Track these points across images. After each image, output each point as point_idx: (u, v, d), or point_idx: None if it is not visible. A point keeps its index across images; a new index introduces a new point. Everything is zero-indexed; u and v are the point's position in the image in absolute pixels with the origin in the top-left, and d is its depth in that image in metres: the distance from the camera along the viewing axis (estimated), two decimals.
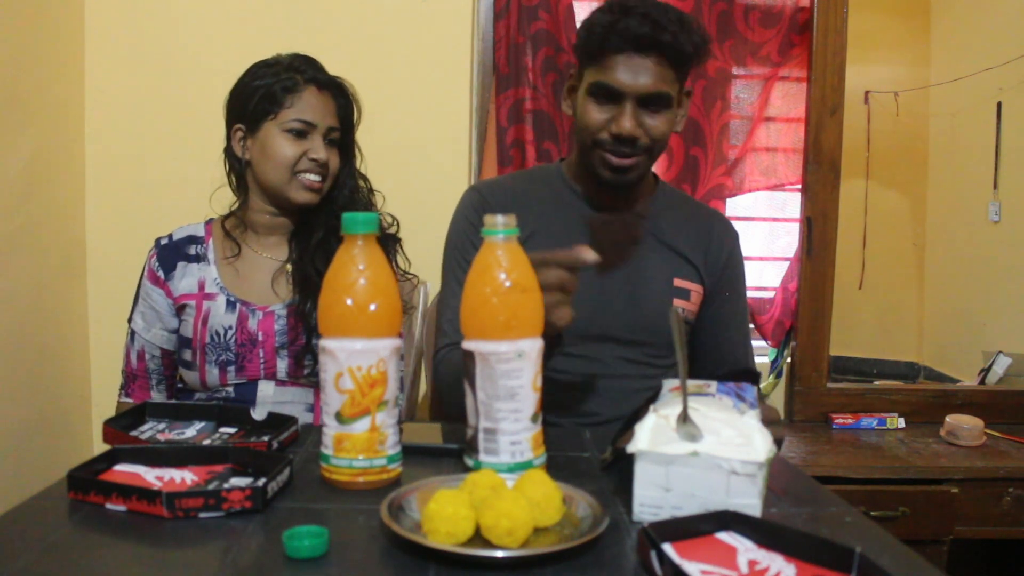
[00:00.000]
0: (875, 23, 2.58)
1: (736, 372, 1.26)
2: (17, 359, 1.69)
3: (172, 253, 1.40)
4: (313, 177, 1.34)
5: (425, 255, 1.59)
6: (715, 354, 1.40)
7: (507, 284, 0.82)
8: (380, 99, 2.02)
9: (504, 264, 0.83)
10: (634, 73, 1.21)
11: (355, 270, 0.83)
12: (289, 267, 1.38)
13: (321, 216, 1.39)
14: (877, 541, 0.72)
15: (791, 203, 2.17)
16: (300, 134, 1.33)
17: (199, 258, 1.39)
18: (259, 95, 1.33)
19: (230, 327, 1.33)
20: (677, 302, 1.33)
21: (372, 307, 0.82)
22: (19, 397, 1.70)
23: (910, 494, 1.76)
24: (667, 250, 1.36)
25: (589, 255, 0.97)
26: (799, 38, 2.08)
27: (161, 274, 1.38)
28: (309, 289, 1.33)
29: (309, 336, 1.34)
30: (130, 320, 1.41)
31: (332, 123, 1.36)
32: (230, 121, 1.38)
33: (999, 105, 2.36)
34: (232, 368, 1.32)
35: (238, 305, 1.35)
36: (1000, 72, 2.33)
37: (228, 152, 1.40)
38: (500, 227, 0.83)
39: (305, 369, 1.34)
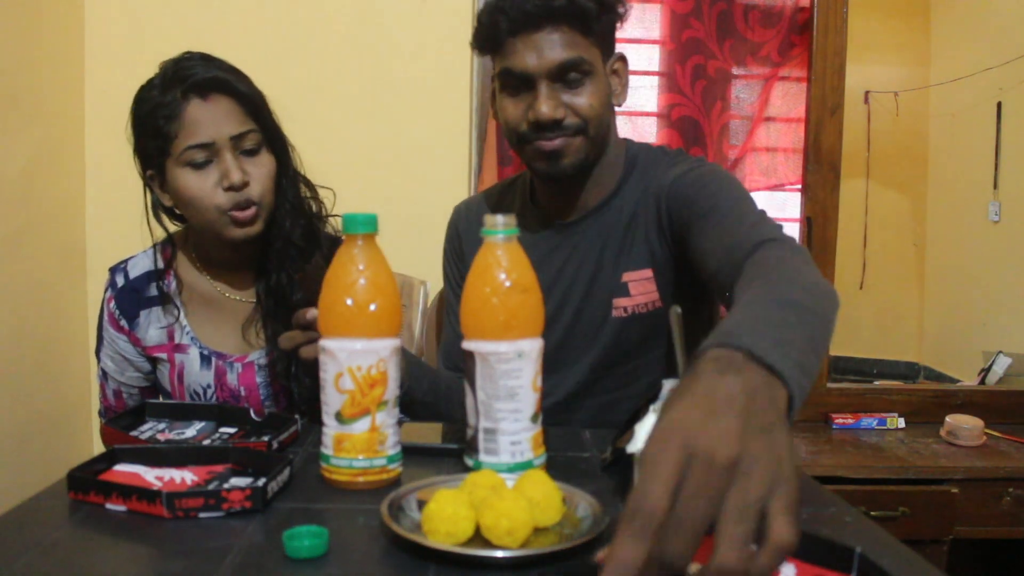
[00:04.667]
0: (875, 23, 2.58)
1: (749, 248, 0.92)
2: (17, 359, 1.69)
3: (131, 298, 1.22)
4: (239, 212, 1.11)
5: (424, 255, 1.59)
6: (721, 258, 1.00)
7: (507, 284, 0.82)
8: (380, 99, 2.03)
9: (504, 264, 0.83)
10: (537, 50, 1.09)
11: (355, 270, 0.83)
12: (259, 314, 1.22)
13: (273, 247, 1.19)
14: (877, 541, 0.72)
15: (791, 203, 2.17)
16: (202, 164, 1.10)
17: (162, 299, 1.21)
18: (148, 135, 1.12)
19: (209, 385, 1.21)
20: (619, 302, 1.19)
21: (372, 307, 0.82)
22: (19, 397, 1.70)
23: (910, 494, 1.76)
24: (622, 241, 1.20)
25: (309, 313, 1.00)
26: (799, 38, 2.08)
27: (124, 323, 1.22)
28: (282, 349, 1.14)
29: (289, 397, 1.20)
30: (98, 356, 1.27)
31: (236, 129, 1.11)
32: (142, 167, 1.18)
33: (999, 105, 2.36)
34: None
35: (213, 359, 1.21)
36: (1000, 72, 2.33)
37: (152, 199, 1.19)
38: (500, 227, 0.83)
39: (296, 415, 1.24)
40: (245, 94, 1.14)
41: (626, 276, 1.19)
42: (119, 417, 1.03)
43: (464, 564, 0.65)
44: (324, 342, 0.83)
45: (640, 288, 1.19)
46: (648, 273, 1.19)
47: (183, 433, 1.02)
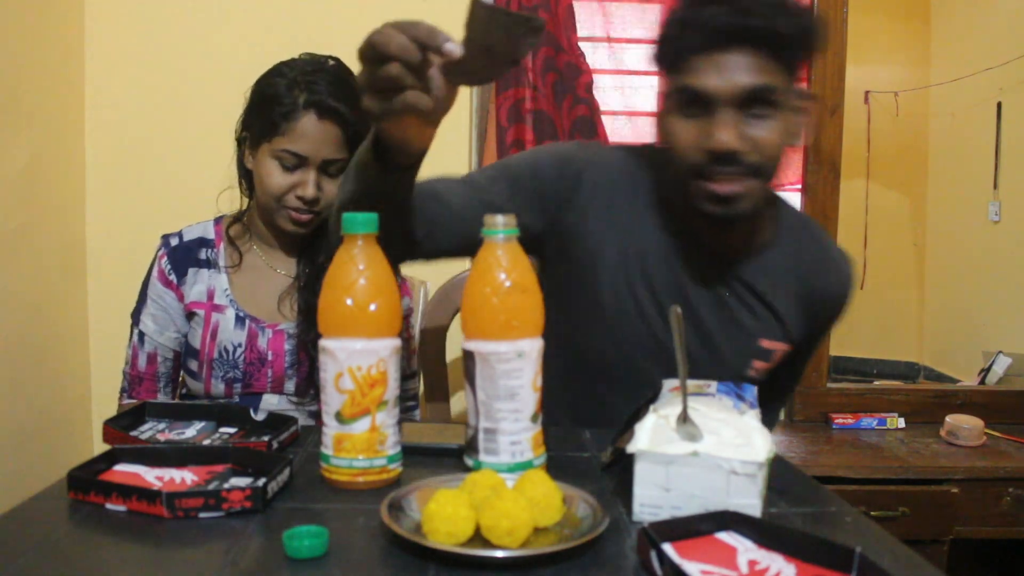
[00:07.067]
0: (875, 23, 2.58)
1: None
2: (17, 359, 1.69)
3: (183, 256, 1.33)
4: (299, 213, 1.26)
5: None
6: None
7: (507, 284, 0.82)
8: None
9: (504, 264, 0.83)
10: (723, 72, 0.97)
11: (355, 270, 0.83)
12: (295, 288, 1.33)
13: (324, 239, 1.28)
14: (877, 541, 0.72)
15: (791, 203, 2.17)
16: (289, 167, 1.24)
17: (209, 264, 1.33)
18: (260, 114, 1.25)
19: (239, 345, 1.29)
20: (757, 364, 1.18)
21: (372, 307, 0.82)
22: (19, 397, 1.70)
23: (910, 494, 1.76)
24: (761, 306, 1.16)
25: (456, 50, 0.78)
26: None
27: (173, 277, 1.32)
28: (312, 320, 1.26)
29: (311, 365, 1.29)
30: (137, 321, 1.34)
31: (331, 155, 1.24)
32: (243, 122, 1.31)
33: (999, 105, 2.36)
34: (238, 385, 1.30)
35: (248, 321, 1.30)
36: (1000, 72, 2.33)
37: (239, 153, 1.33)
38: (500, 227, 0.83)
39: (312, 390, 1.31)
40: (353, 128, 1.24)
41: (767, 343, 1.17)
42: (119, 417, 1.03)
43: (464, 564, 0.65)
44: (324, 342, 0.83)
45: (777, 357, 1.20)
46: (786, 347, 1.19)
47: (183, 433, 1.02)
